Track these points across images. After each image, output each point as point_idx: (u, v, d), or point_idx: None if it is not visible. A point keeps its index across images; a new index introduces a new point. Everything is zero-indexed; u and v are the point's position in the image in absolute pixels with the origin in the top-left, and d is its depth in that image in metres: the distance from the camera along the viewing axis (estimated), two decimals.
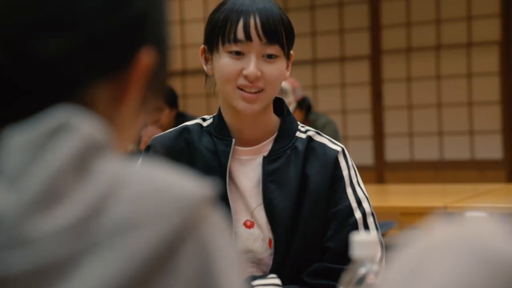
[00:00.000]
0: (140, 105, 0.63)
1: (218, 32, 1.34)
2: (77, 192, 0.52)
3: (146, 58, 0.61)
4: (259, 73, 1.32)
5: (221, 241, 0.56)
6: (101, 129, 0.56)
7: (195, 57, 6.10)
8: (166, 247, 0.52)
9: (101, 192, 0.52)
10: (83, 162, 0.53)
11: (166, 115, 3.99)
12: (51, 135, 0.54)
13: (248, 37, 1.32)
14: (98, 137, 0.55)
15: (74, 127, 0.54)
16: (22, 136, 0.54)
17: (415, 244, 0.49)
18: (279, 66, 1.35)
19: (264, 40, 1.32)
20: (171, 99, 4.04)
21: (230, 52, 1.33)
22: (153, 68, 0.62)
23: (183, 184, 0.55)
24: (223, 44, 1.33)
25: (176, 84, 5.81)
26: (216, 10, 1.38)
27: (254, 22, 1.32)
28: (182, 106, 5.23)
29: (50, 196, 0.51)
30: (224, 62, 1.34)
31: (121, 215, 0.52)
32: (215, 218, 0.56)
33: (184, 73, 6.13)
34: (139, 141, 3.98)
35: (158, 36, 0.63)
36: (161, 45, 0.63)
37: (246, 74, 1.32)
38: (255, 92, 1.33)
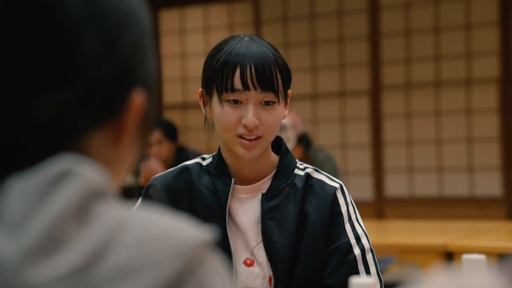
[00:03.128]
0: (133, 141, 0.64)
1: (215, 80, 1.35)
2: (78, 238, 0.52)
3: (137, 99, 0.62)
4: (257, 122, 1.33)
5: (219, 286, 0.56)
6: (102, 174, 0.57)
7: (196, 91, 6.13)
8: None
9: (101, 238, 0.53)
10: (84, 208, 0.54)
11: (166, 148, 3.99)
12: (53, 182, 0.54)
13: (245, 86, 1.33)
14: (99, 183, 0.56)
15: (76, 174, 0.55)
16: (24, 184, 0.54)
17: None
18: (277, 112, 1.36)
19: (260, 89, 1.33)
20: (171, 133, 4.05)
21: (228, 101, 1.34)
22: (144, 107, 0.63)
23: (183, 230, 0.55)
24: (220, 92, 1.34)
25: (177, 117, 5.84)
26: (212, 56, 1.38)
27: (250, 71, 1.32)
28: (183, 139, 5.25)
29: (50, 243, 0.52)
30: (223, 111, 1.35)
31: (121, 261, 0.52)
32: (214, 263, 0.57)
33: (185, 106, 6.16)
34: (137, 174, 3.98)
35: (146, 75, 0.64)
36: (148, 83, 0.65)
37: (245, 124, 1.33)
38: (254, 139, 1.35)
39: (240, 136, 1.34)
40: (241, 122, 1.33)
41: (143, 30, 0.64)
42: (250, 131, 1.33)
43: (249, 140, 1.34)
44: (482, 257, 1.24)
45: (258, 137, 1.34)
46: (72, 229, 0.53)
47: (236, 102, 1.34)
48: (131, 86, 0.62)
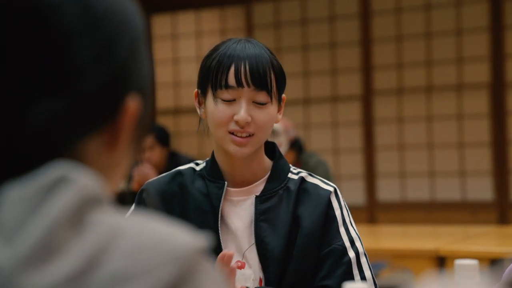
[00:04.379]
0: (128, 146, 0.64)
1: (210, 78, 1.37)
2: (73, 245, 0.52)
3: (132, 104, 0.62)
4: (249, 119, 1.34)
5: None
6: (98, 181, 0.57)
7: (188, 95, 6.14)
8: None
9: (96, 245, 0.53)
10: (79, 215, 0.54)
11: (158, 153, 3.98)
12: (49, 188, 0.54)
13: (239, 83, 1.34)
14: (95, 189, 0.56)
15: (72, 180, 0.55)
16: (19, 191, 0.54)
17: None
18: (269, 111, 1.37)
19: (253, 87, 1.35)
20: (163, 138, 4.04)
21: (222, 97, 1.36)
22: (139, 112, 0.63)
23: (178, 236, 0.56)
24: (215, 89, 1.36)
25: (169, 123, 5.83)
26: (208, 56, 1.40)
27: (244, 69, 1.34)
28: (175, 144, 5.24)
29: (45, 250, 0.52)
30: (216, 107, 1.36)
31: (116, 268, 0.52)
32: (209, 269, 0.57)
33: (177, 111, 6.15)
34: (130, 179, 3.97)
35: (141, 80, 0.64)
36: (143, 89, 0.65)
37: (236, 120, 1.34)
38: (246, 137, 1.35)
39: (232, 133, 1.35)
40: (233, 118, 1.35)
41: (137, 36, 0.64)
42: (242, 127, 1.34)
43: (241, 137, 1.35)
44: (474, 262, 1.25)
45: (250, 135, 1.35)
46: (68, 236, 0.53)
47: (229, 99, 1.35)
48: (126, 91, 0.62)
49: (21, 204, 0.53)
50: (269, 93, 1.36)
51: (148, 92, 0.66)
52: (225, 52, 1.36)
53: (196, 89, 1.43)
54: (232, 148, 1.36)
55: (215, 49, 1.40)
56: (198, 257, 0.56)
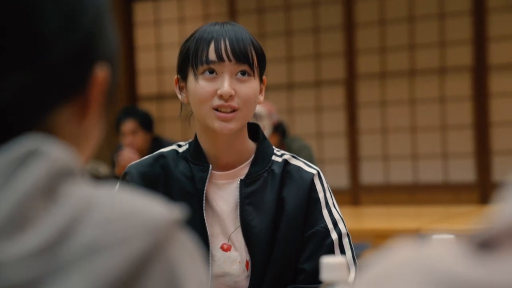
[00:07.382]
0: (99, 116, 0.64)
1: (190, 58, 1.36)
2: (45, 217, 0.52)
3: (101, 73, 0.62)
4: (233, 92, 1.34)
5: (189, 263, 0.56)
6: (70, 153, 0.57)
7: (171, 81, 6.09)
8: (132, 269, 0.52)
9: (69, 216, 0.53)
10: (52, 186, 0.54)
11: (141, 138, 3.98)
12: (20, 162, 0.54)
13: (219, 57, 1.34)
14: (67, 161, 0.56)
15: (44, 153, 0.55)
16: None
17: (374, 268, 0.49)
18: (252, 85, 1.37)
19: (234, 60, 1.34)
20: (147, 123, 4.03)
21: (203, 74, 1.35)
22: (108, 81, 0.63)
23: (152, 208, 0.55)
24: (196, 67, 1.35)
25: (153, 108, 5.81)
26: (186, 41, 1.40)
27: (224, 44, 1.34)
28: (159, 130, 5.23)
29: (17, 221, 0.51)
30: (198, 84, 1.35)
31: (88, 238, 0.52)
32: (183, 240, 0.57)
33: (160, 97, 6.14)
34: (113, 164, 3.97)
35: (107, 49, 0.64)
36: (111, 58, 0.64)
37: (220, 93, 1.33)
38: (230, 112, 1.35)
39: (216, 109, 1.34)
40: (217, 93, 1.34)
41: (102, 4, 0.64)
42: (226, 101, 1.34)
43: (225, 112, 1.34)
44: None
45: (234, 111, 1.35)
46: (40, 208, 0.52)
47: (211, 72, 1.34)
48: (94, 61, 0.62)
49: None
50: (251, 66, 1.36)
51: (116, 61, 0.65)
52: (204, 31, 1.37)
53: (176, 75, 1.42)
54: (217, 124, 1.34)
55: (193, 34, 1.40)
56: (172, 229, 0.55)
